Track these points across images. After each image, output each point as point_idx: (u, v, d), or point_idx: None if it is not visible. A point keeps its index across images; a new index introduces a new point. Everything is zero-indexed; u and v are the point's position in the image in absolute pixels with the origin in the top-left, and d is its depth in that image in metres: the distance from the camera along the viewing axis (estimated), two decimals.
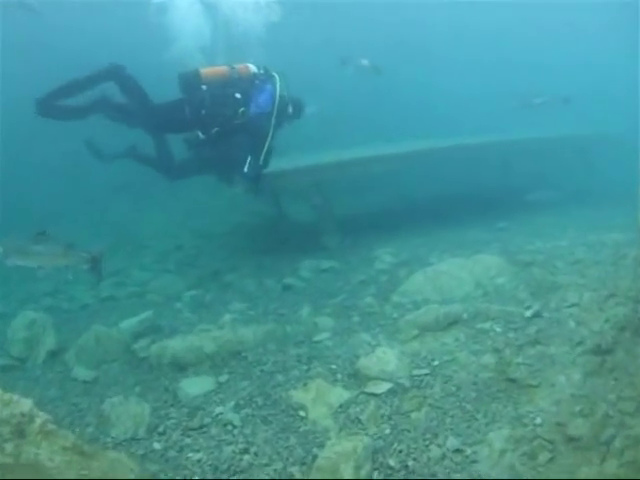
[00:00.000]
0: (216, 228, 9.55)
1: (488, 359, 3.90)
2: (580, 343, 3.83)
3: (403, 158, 8.49)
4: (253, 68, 6.60)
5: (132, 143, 6.81)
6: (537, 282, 5.08)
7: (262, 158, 6.43)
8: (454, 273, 5.53)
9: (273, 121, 6.42)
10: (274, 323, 5.22)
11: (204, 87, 6.33)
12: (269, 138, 6.39)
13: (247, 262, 7.66)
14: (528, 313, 4.40)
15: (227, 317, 5.54)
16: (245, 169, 6.43)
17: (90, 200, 11.18)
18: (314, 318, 5.25)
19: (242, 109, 6.37)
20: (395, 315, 4.98)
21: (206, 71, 6.38)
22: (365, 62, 9.23)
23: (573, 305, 4.47)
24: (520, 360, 3.76)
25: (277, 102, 6.42)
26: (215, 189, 8.62)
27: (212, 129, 6.34)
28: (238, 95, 6.39)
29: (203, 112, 6.27)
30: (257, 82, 6.52)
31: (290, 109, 6.68)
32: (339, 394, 3.75)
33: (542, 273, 5.31)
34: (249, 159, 6.43)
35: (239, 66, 6.54)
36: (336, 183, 8.76)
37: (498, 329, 4.27)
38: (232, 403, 3.85)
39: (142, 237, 9.17)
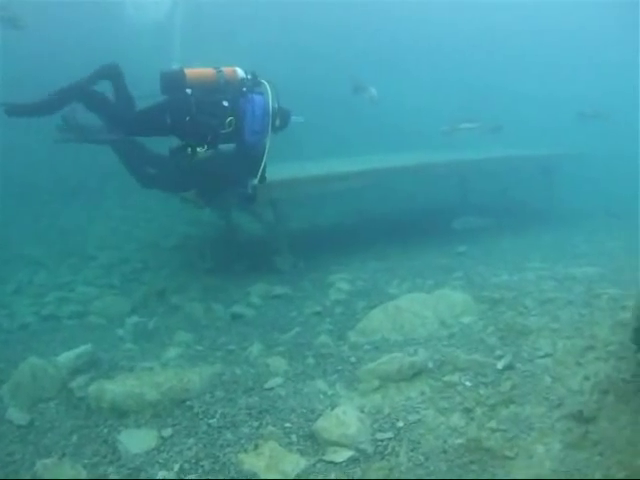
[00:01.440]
0: (163, 240, 9.20)
1: (458, 420, 3.64)
2: (559, 405, 3.62)
3: (362, 176, 8.25)
4: (241, 73, 6.22)
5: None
6: (506, 325, 4.87)
7: (259, 175, 6.13)
8: (416, 310, 5.29)
9: (269, 134, 6.11)
10: (222, 363, 4.87)
11: (189, 91, 5.94)
12: (266, 153, 6.08)
13: (194, 282, 7.35)
14: (500, 365, 4.17)
15: (172, 352, 5.23)
16: (248, 190, 6.23)
17: (45, 202, 10.74)
18: (265, 358, 4.92)
19: (230, 118, 6.01)
20: (353, 359, 4.70)
21: (191, 72, 5.97)
22: (373, 91, 9.06)
23: (547, 355, 4.27)
24: (494, 425, 3.51)
25: (272, 113, 6.14)
26: (164, 196, 8.31)
27: (195, 138, 5.95)
28: (226, 103, 6.02)
29: (187, 119, 5.88)
30: (245, 89, 6.17)
31: (277, 119, 6.34)
32: (295, 461, 3.42)
33: (511, 314, 5.12)
34: (248, 178, 6.22)
35: (226, 69, 6.16)
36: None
37: (467, 383, 4.02)
38: (176, 466, 3.49)
39: (88, 247, 8.73)
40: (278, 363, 4.79)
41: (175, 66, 6.01)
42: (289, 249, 7.77)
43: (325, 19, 14.87)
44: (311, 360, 4.83)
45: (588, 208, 12.09)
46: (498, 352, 4.41)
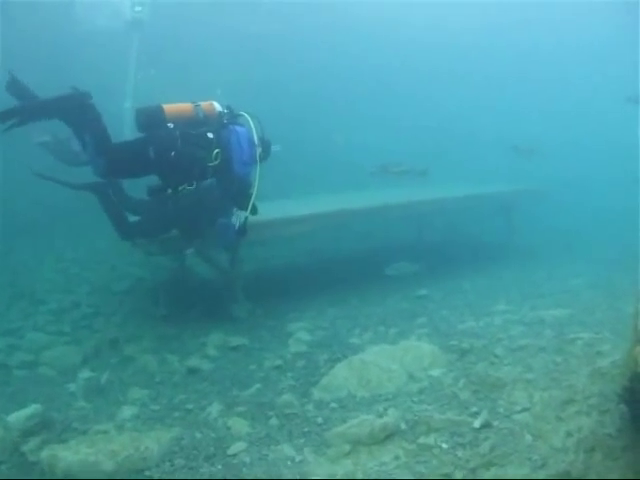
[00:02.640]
0: (115, 283, 8.93)
1: None
2: (542, 465, 3.49)
3: (319, 218, 8.15)
4: (218, 106, 6.21)
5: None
6: (478, 377, 4.76)
7: (250, 208, 6.14)
8: (382, 364, 5.15)
9: (257, 164, 6.12)
10: (180, 426, 4.63)
11: (171, 125, 5.85)
12: (256, 185, 6.08)
13: (148, 330, 7.15)
14: (476, 423, 4.03)
15: (126, 411, 5.00)
16: (237, 223, 6.21)
17: None
18: (226, 419, 4.69)
19: (216, 151, 5.94)
20: (319, 419, 4.51)
21: (169, 107, 5.89)
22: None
23: (524, 410, 4.16)
24: None
25: (258, 143, 6.17)
26: (115, 237, 8.12)
27: (181, 175, 5.88)
28: (210, 135, 5.98)
29: (172, 154, 5.76)
30: (225, 122, 6.14)
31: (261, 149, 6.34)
32: None
33: (482, 365, 5.03)
34: (235, 212, 6.21)
35: (204, 104, 6.12)
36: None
37: (444, 445, 3.87)
38: None
39: (38, 290, 8.44)
40: (239, 425, 4.57)
41: (150, 103, 5.98)
42: (244, 295, 7.60)
43: (284, 53, 14.83)
44: (275, 421, 4.61)
45: (545, 243, 12.27)
46: (473, 409, 4.28)
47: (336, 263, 10.55)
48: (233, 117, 6.25)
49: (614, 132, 15.78)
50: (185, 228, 6.69)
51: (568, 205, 13.47)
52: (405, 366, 5.16)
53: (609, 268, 9.67)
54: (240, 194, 6.19)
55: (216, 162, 5.98)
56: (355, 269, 9.60)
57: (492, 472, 3.55)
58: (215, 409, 4.94)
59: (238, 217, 6.25)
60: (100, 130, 5.69)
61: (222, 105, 6.25)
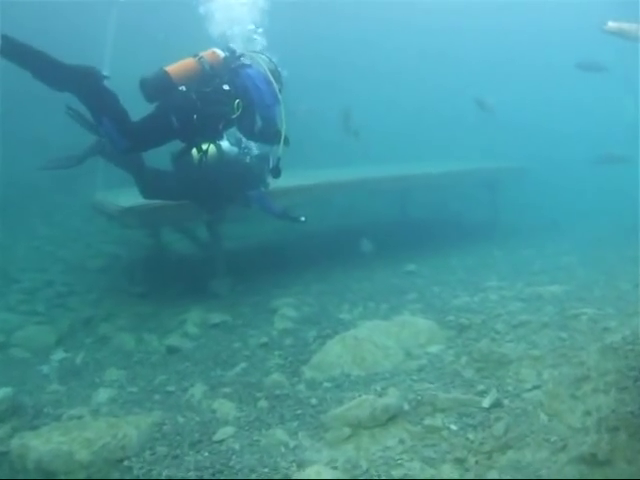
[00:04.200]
0: (90, 261, 8.57)
1: (450, 473, 3.18)
2: (563, 447, 3.21)
3: (303, 191, 7.81)
4: (221, 53, 5.76)
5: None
6: (481, 354, 4.47)
7: (282, 141, 5.76)
8: (378, 340, 4.84)
9: (281, 102, 5.75)
10: (161, 409, 4.26)
11: (183, 88, 5.46)
12: (283, 123, 5.70)
13: (124, 308, 6.75)
14: (485, 402, 3.75)
15: (102, 394, 4.62)
16: (271, 164, 6.01)
17: None
18: (210, 401, 4.34)
19: (237, 101, 5.57)
20: (313, 400, 4.18)
21: (173, 69, 5.45)
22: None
23: (535, 388, 3.89)
24: (495, 476, 3.07)
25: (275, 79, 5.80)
26: (89, 213, 7.76)
27: (206, 134, 5.64)
28: (226, 86, 5.59)
29: (195, 117, 5.41)
30: (233, 67, 5.74)
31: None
32: None
33: (484, 341, 4.73)
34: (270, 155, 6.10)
35: (205, 53, 5.67)
36: None
37: (453, 426, 3.57)
38: None
39: (11, 269, 8.01)
40: (226, 408, 4.22)
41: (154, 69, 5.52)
42: (226, 270, 7.24)
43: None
44: (264, 403, 4.27)
45: (529, 221, 12.10)
46: (480, 387, 4.00)
47: (320, 238, 10.21)
48: (238, 59, 5.85)
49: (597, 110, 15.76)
50: (209, 197, 6.43)
51: (549, 183, 13.27)
52: (401, 342, 4.87)
53: (597, 246, 9.55)
54: (269, 134, 5.87)
55: (239, 112, 5.64)
56: (339, 245, 9.28)
57: (509, 456, 3.27)
58: (198, 391, 4.59)
59: (273, 155, 5.99)
60: (119, 112, 5.34)
61: (223, 49, 5.83)
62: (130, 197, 6.73)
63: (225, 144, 6.14)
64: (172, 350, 5.62)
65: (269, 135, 5.87)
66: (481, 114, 11.10)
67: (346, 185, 8.68)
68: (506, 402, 3.76)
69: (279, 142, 5.73)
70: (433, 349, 4.79)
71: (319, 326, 5.81)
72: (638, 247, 8.70)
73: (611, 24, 7.02)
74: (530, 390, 3.88)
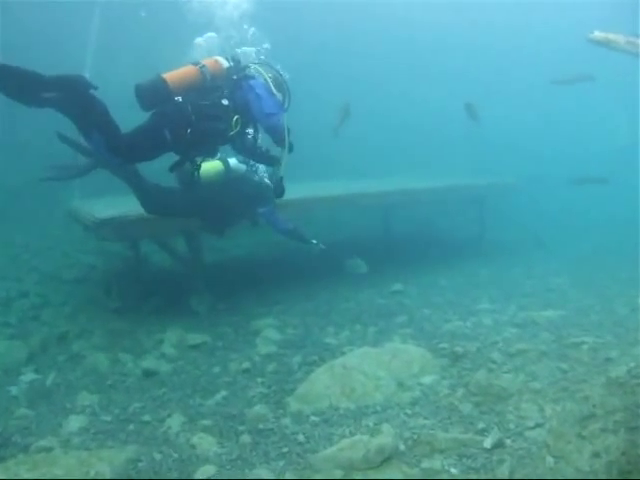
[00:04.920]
0: (66, 271, 8.29)
1: None
2: None
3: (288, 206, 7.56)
4: (224, 62, 5.46)
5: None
6: (478, 386, 4.25)
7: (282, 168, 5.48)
8: (368, 370, 4.60)
9: (285, 116, 5.41)
10: (136, 443, 4.00)
11: (179, 98, 5.14)
12: (287, 138, 5.31)
13: (99, 324, 6.48)
14: (487, 442, 3.52)
15: (74, 422, 4.34)
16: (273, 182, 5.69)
17: None
18: (189, 435, 4.06)
19: (236, 117, 5.29)
20: (300, 437, 3.92)
21: (172, 77, 5.14)
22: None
23: (538, 426, 3.68)
24: None
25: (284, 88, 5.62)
26: (67, 221, 7.60)
27: (202, 150, 5.38)
28: (225, 101, 5.29)
29: (188, 131, 5.10)
30: (236, 78, 5.43)
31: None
32: None
33: (480, 371, 4.50)
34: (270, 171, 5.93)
35: (207, 62, 5.36)
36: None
37: (453, 470, 3.33)
38: None
39: None
40: (206, 443, 3.95)
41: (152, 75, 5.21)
42: (205, 287, 7.00)
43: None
44: (247, 438, 4.00)
45: (515, 238, 11.99)
46: (480, 424, 3.77)
47: (302, 254, 9.93)
48: (242, 69, 5.56)
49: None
50: (216, 215, 6.19)
51: (533, 200, 13.19)
52: (393, 372, 4.63)
53: (585, 265, 9.44)
54: (278, 142, 5.47)
55: (237, 129, 5.37)
56: (323, 261, 9.02)
57: None
58: (176, 422, 4.31)
59: (275, 174, 5.69)
60: (109, 125, 5.00)
61: (227, 57, 5.54)
62: (107, 207, 6.53)
63: (233, 161, 5.94)
64: (148, 373, 5.33)
65: (269, 157, 5.60)
66: (468, 127, 10.94)
67: (329, 200, 8.44)
68: (508, 442, 3.54)
69: (279, 162, 5.48)
70: (427, 380, 4.55)
71: (304, 351, 5.56)
72: (628, 268, 8.62)
73: (597, 34, 6.88)
74: (533, 428, 3.67)
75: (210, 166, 5.76)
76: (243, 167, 6.01)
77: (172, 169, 5.45)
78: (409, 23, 16.26)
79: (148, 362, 5.52)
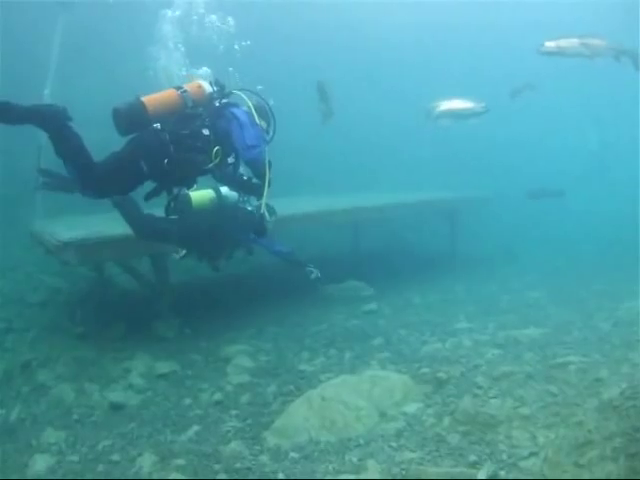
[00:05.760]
0: (30, 294, 8.06)
1: None
2: None
3: None
4: (207, 87, 5.28)
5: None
6: (465, 414, 4.08)
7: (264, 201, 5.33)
8: (348, 400, 4.40)
9: (267, 149, 5.24)
10: None
11: (157, 125, 4.94)
12: (268, 173, 5.14)
13: (64, 351, 6.19)
14: (481, 475, 3.35)
15: (39, 463, 4.11)
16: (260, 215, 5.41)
17: None
18: (162, 475, 3.85)
19: (216, 148, 5.09)
20: (281, 476, 3.71)
21: (150, 102, 4.94)
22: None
23: (532, 455, 3.52)
24: None
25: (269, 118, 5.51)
26: (29, 241, 7.52)
27: (180, 181, 5.20)
28: (206, 131, 5.10)
29: (165, 161, 4.92)
30: (218, 105, 5.27)
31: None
32: None
33: (465, 398, 4.34)
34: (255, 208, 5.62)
35: (189, 86, 5.18)
36: None
37: None
38: None
39: None
40: None
41: (130, 98, 5.01)
42: (172, 310, 6.81)
43: None
44: (224, 477, 3.79)
45: (487, 252, 11.97)
46: (471, 457, 3.59)
47: (270, 273, 9.74)
48: (225, 95, 5.40)
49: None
50: (210, 244, 5.95)
51: (503, 214, 13.21)
52: (374, 401, 4.45)
53: (560, 278, 9.43)
54: (256, 176, 5.36)
55: (216, 161, 5.18)
56: (292, 280, 8.84)
57: None
58: (147, 461, 4.07)
59: (257, 209, 5.54)
60: (83, 159, 4.83)
61: (210, 82, 5.38)
62: (70, 228, 6.35)
63: (224, 189, 5.75)
64: (116, 407, 5.11)
65: (255, 185, 5.39)
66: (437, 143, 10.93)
67: (297, 218, 8.26)
68: (502, 474, 3.38)
69: (261, 194, 5.30)
70: (410, 408, 4.38)
71: (279, 380, 5.36)
72: (603, 280, 8.61)
73: (548, 44, 6.86)
74: (527, 458, 3.51)
75: (202, 194, 5.59)
76: (235, 195, 5.84)
77: (147, 198, 5.28)
78: (377, 39, 16.24)
79: (115, 394, 5.29)
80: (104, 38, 11.30)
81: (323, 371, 5.43)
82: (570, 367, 4.66)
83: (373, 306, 7.65)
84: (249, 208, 5.86)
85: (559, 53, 6.91)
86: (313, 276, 6.34)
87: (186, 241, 5.84)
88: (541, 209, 13.01)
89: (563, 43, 6.86)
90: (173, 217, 5.52)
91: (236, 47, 5.91)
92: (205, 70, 5.72)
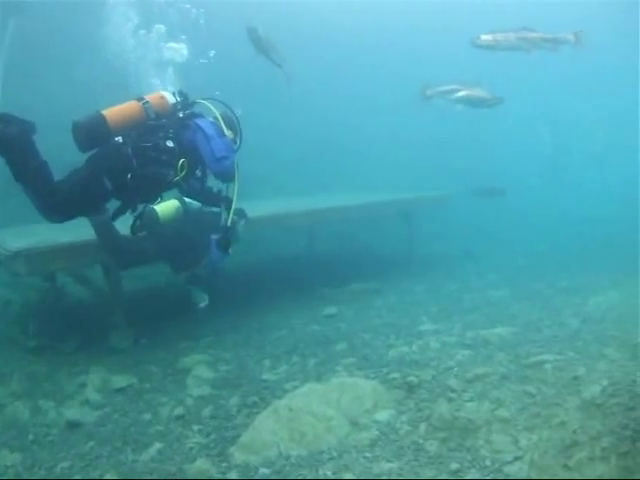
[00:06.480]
0: None
1: None
2: None
3: None
4: (170, 98, 5.15)
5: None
6: (441, 419, 3.93)
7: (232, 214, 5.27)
8: (316, 410, 4.21)
9: (235, 161, 5.17)
10: None
11: (119, 139, 4.79)
12: (236, 184, 5.17)
13: (17, 366, 5.93)
14: None
15: None
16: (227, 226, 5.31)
17: None
18: None
19: (182, 161, 4.97)
20: None
21: (112, 115, 4.75)
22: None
23: (516, 459, 3.39)
24: None
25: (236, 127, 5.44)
26: None
27: (144, 196, 5.06)
28: (170, 143, 4.97)
29: (129, 176, 4.78)
30: (181, 116, 5.14)
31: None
32: None
33: (439, 402, 4.19)
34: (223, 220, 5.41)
35: (151, 97, 5.03)
36: None
37: None
38: None
39: None
40: None
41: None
42: (126, 320, 6.54)
43: None
44: None
45: (443, 252, 11.96)
46: (452, 465, 3.44)
47: (223, 278, 9.50)
48: (189, 106, 5.28)
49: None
50: (184, 252, 5.89)
51: (460, 214, 13.22)
52: (344, 410, 4.26)
53: (521, 276, 9.41)
54: (221, 195, 5.38)
55: (182, 174, 5.05)
56: (247, 285, 8.63)
57: None
58: None
59: (223, 221, 5.43)
60: (45, 183, 4.69)
61: (173, 92, 5.26)
62: (19, 237, 6.14)
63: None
64: (73, 425, 4.83)
65: (220, 200, 5.35)
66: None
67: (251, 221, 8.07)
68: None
69: (229, 206, 5.23)
70: (382, 416, 4.20)
71: (241, 390, 5.12)
72: (565, 276, 8.62)
73: (484, 37, 6.81)
74: (511, 462, 3.39)
75: (167, 206, 5.36)
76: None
77: (114, 218, 5.19)
78: (340, 40, 16.20)
79: (72, 411, 5.01)
80: (61, 39, 10.92)
81: (287, 379, 5.22)
82: (545, 366, 4.56)
83: (333, 310, 7.47)
84: (215, 210, 5.70)
85: (492, 47, 6.87)
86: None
87: (164, 254, 5.76)
88: (495, 210, 13.06)
89: (499, 37, 6.83)
90: (141, 235, 5.36)
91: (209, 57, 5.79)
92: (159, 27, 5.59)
